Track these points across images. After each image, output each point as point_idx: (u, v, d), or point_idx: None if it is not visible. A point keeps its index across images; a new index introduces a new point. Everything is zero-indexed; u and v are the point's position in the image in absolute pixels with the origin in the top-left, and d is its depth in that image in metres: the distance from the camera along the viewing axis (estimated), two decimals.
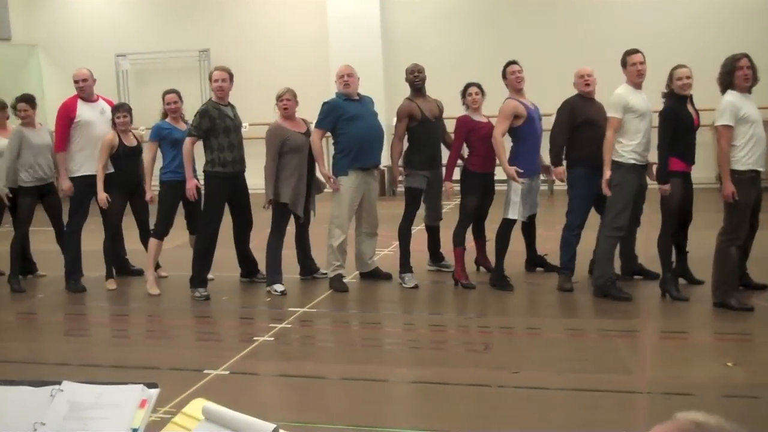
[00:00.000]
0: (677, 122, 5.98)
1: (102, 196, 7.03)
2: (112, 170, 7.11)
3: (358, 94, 6.95)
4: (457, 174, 6.89)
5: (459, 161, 6.90)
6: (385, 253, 7.87)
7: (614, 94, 6.21)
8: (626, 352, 5.18)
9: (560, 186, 7.25)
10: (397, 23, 13.30)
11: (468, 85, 6.82)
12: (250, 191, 7.10)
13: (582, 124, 6.39)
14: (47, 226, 7.61)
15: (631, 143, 6.12)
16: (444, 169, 6.91)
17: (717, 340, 5.43)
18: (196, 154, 6.79)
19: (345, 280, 6.97)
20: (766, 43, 10.56)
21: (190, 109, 7.17)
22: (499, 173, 6.72)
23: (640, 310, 6.03)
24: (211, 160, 6.73)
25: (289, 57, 13.46)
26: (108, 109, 7.27)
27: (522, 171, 6.47)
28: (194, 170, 6.79)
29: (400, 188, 7.27)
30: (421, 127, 6.88)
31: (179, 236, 7.45)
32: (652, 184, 6.33)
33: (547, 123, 6.72)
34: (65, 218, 7.40)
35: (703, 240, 6.31)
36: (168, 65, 13.81)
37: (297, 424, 4.08)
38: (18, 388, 1.78)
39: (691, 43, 11.35)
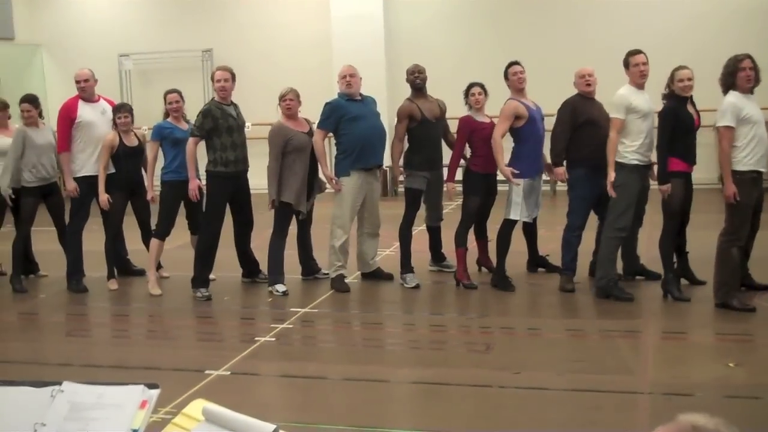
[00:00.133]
0: (677, 123, 5.97)
1: (103, 197, 7.04)
2: (113, 171, 7.12)
3: (361, 95, 6.95)
4: (459, 174, 6.89)
5: (461, 161, 6.90)
6: (387, 254, 7.87)
7: (617, 94, 6.20)
8: (628, 352, 5.18)
9: (562, 187, 7.25)
10: (400, 23, 13.30)
11: (471, 85, 6.81)
12: (252, 191, 7.11)
13: (583, 124, 6.39)
14: (49, 226, 7.61)
15: (633, 144, 6.11)
16: (445, 170, 6.92)
17: (718, 340, 5.43)
18: (199, 155, 6.80)
19: (347, 281, 6.97)
20: (767, 43, 10.55)
21: (192, 109, 7.17)
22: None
23: (641, 311, 6.03)
24: (213, 159, 6.73)
25: (292, 57, 13.46)
26: (109, 109, 7.27)
27: (518, 172, 6.47)
28: (197, 170, 6.80)
29: (402, 189, 7.26)
30: (421, 128, 6.88)
31: (181, 236, 7.45)
32: (654, 185, 6.32)
33: (549, 123, 6.71)
34: (68, 218, 7.41)
35: (704, 240, 6.31)
36: (171, 65, 13.83)
37: (298, 424, 4.08)
38: (19, 389, 1.78)
39: (691, 44, 11.35)
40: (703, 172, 7.24)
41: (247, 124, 7.22)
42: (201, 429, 1.67)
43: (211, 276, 7.03)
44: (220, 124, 6.69)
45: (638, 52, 6.24)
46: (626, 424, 4.07)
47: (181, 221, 7.20)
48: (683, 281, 6.36)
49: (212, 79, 6.98)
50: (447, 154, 7.01)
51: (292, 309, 6.41)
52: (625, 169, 6.12)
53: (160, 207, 7.07)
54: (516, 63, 6.74)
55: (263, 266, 7.15)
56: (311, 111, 7.24)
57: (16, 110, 7.49)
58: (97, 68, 7.61)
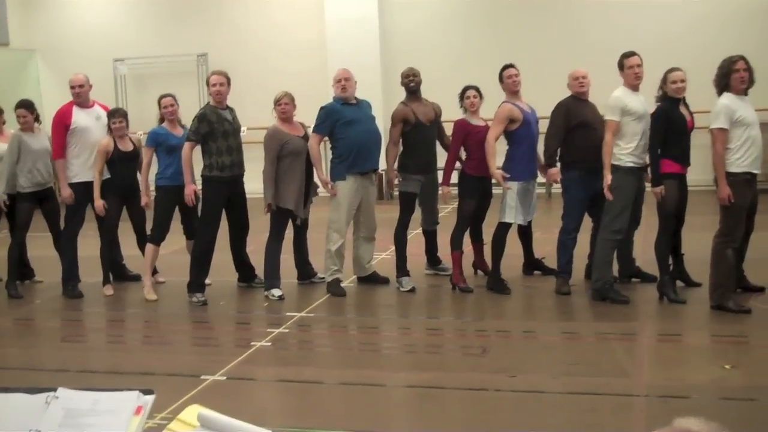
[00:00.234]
0: (669, 124, 5.98)
1: (99, 203, 7.02)
2: (108, 176, 7.10)
3: (356, 98, 6.95)
4: (454, 178, 6.89)
5: (457, 164, 6.91)
6: (383, 257, 7.87)
7: (612, 96, 6.21)
8: (624, 355, 5.18)
9: (557, 189, 7.26)
10: (396, 26, 13.30)
11: (466, 89, 6.82)
12: (248, 196, 7.10)
13: (577, 126, 6.39)
14: (44, 231, 7.60)
15: (629, 146, 6.12)
16: (440, 173, 6.92)
17: (714, 342, 5.44)
18: (195, 159, 6.79)
19: (343, 285, 6.97)
20: (766, 44, 10.57)
21: (188, 114, 7.16)
22: None
23: (637, 313, 6.03)
24: (209, 164, 6.73)
25: (287, 61, 13.45)
26: (104, 115, 7.24)
27: (509, 176, 6.48)
28: (192, 175, 6.78)
29: (397, 192, 7.27)
30: (416, 132, 6.88)
31: (176, 241, 7.44)
32: (649, 187, 6.32)
33: (544, 126, 6.71)
34: (63, 224, 7.39)
35: (700, 242, 6.32)
36: (166, 70, 13.80)
37: (295, 429, 4.08)
38: (13, 395, 1.77)
39: (690, 45, 11.33)
40: (698, 173, 7.25)
41: (243, 128, 7.21)
42: None
43: (207, 281, 7.02)
44: (216, 129, 6.69)
45: (632, 54, 6.26)
46: (622, 426, 4.07)
47: (177, 226, 7.19)
48: (679, 283, 6.37)
49: (207, 83, 6.97)
50: (442, 157, 7.01)
51: (288, 313, 6.40)
52: (621, 172, 6.12)
53: (155, 212, 7.06)
54: (511, 66, 6.75)
55: (259, 271, 7.14)
56: (306, 115, 7.24)
57: (12, 116, 7.48)
58: (91, 73, 7.58)
